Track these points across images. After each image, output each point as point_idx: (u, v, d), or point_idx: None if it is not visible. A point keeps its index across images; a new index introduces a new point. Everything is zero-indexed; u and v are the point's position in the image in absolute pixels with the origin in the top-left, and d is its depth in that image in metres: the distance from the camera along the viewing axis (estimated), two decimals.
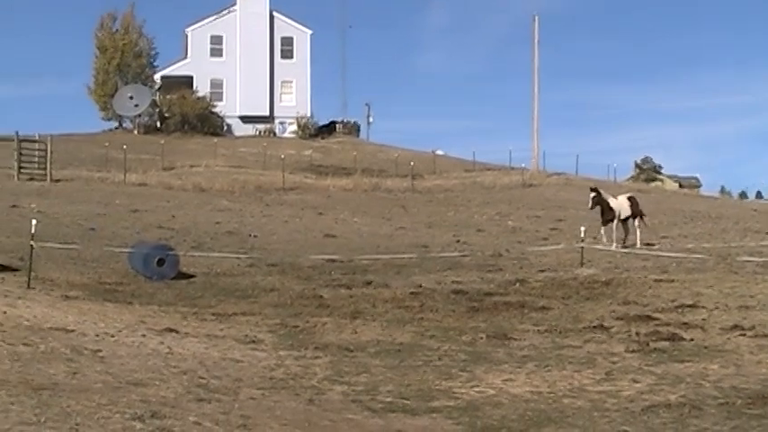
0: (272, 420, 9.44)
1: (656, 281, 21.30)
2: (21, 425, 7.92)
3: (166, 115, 76.51)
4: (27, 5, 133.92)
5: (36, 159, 47.50)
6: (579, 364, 12.84)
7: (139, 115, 76.01)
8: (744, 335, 14.77)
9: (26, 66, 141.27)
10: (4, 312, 14.39)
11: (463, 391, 11.42)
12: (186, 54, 79.83)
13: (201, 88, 77.16)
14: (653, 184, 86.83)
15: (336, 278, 23.40)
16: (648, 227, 30.46)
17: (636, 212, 29.52)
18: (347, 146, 74.60)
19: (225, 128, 77.84)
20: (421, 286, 21.76)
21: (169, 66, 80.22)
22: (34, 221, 20.70)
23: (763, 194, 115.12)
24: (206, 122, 76.14)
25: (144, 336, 14.12)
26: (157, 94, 77.28)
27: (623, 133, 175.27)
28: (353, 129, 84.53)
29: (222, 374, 11.69)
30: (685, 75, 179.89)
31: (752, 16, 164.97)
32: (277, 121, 79.23)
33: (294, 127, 78.69)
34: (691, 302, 18.12)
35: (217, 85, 78.22)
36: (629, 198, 29.84)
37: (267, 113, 78.62)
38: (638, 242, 28.94)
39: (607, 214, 28.62)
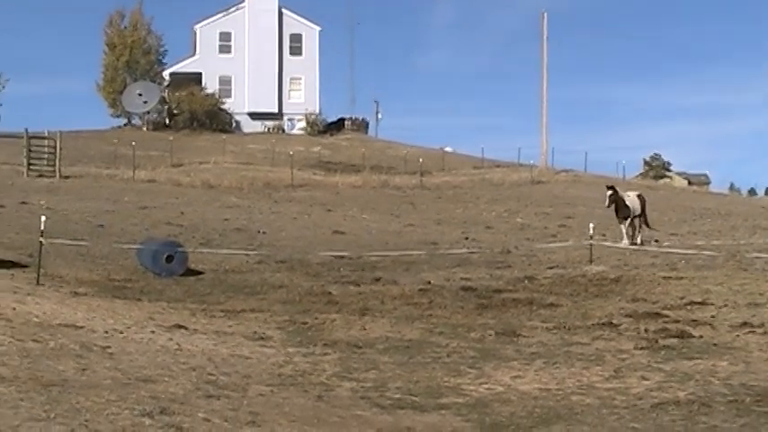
0: (280, 417, 9.45)
1: (664, 278, 21.26)
2: (30, 421, 7.94)
3: (175, 112, 76.53)
4: (35, 3, 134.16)
5: (45, 156, 47.61)
6: (588, 362, 12.84)
7: (148, 112, 76.01)
8: (753, 332, 14.75)
9: (35, 63, 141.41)
10: (14, 309, 14.43)
11: (472, 387, 11.43)
12: (195, 51, 79.85)
13: (210, 85, 77.16)
14: (662, 182, 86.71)
15: (345, 275, 23.40)
16: (650, 227, 30.39)
17: (643, 211, 29.48)
18: (356, 142, 74.57)
19: (233, 125, 77.85)
20: (430, 283, 21.75)
21: (178, 63, 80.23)
22: (43, 218, 20.73)
23: None
24: (215, 119, 76.16)
25: (153, 332, 14.15)
26: (166, 90, 77.30)
27: (632, 130, 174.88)
28: (362, 125, 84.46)
29: (231, 371, 11.70)
30: (694, 71, 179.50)
31: (762, 12, 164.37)
32: (286, 117, 79.19)
33: (303, 124, 78.66)
34: (700, 300, 18.09)
35: (225, 81, 78.19)
36: (639, 196, 29.78)
37: (276, 110, 78.59)
38: (640, 240, 28.87)
39: (623, 212, 28.54)
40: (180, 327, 14.84)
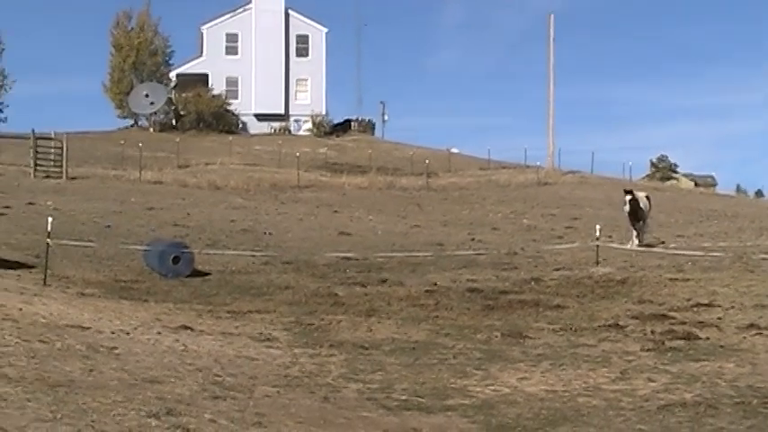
0: (286, 418, 9.46)
1: (671, 280, 21.24)
2: (37, 421, 7.94)
3: (182, 113, 76.63)
4: (42, 4, 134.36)
5: (52, 157, 47.68)
6: (594, 363, 12.83)
7: (155, 113, 76.11)
8: (760, 334, 14.73)
9: (42, 64, 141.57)
10: (21, 309, 14.44)
11: (478, 389, 11.43)
12: (201, 52, 79.95)
13: (217, 86, 77.26)
14: (668, 183, 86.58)
15: (351, 276, 23.41)
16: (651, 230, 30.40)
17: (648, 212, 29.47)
18: (362, 144, 74.60)
19: (240, 126, 77.92)
20: (436, 284, 21.75)
21: (184, 64, 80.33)
22: (50, 219, 20.76)
23: None
24: (221, 120, 76.25)
25: (159, 333, 14.16)
26: (173, 91, 77.39)
27: (638, 131, 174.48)
28: (368, 126, 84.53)
29: (237, 372, 11.71)
30: (699, 72, 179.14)
31: (766, 12, 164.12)
32: (292, 118, 79.25)
33: (309, 125, 78.72)
34: (706, 301, 18.07)
35: (232, 82, 78.27)
36: (647, 197, 29.76)
37: (282, 111, 78.64)
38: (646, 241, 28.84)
39: (640, 214, 28.49)
40: (186, 328, 14.85)
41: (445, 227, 37.80)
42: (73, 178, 45.42)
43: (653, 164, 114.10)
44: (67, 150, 46.14)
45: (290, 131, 78.13)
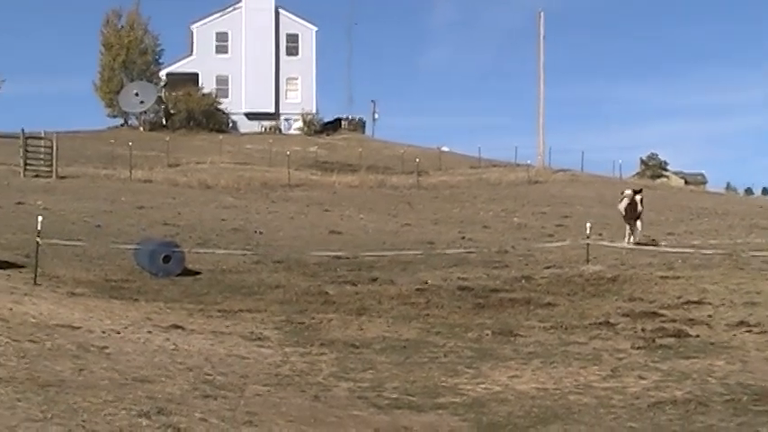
0: (277, 417, 9.45)
1: (661, 277, 21.27)
2: (27, 421, 7.93)
3: (172, 112, 76.58)
4: (31, 3, 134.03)
5: (42, 156, 47.57)
6: (585, 361, 12.84)
7: (145, 112, 76.06)
8: (750, 331, 14.76)
9: (32, 63, 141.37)
10: (11, 309, 14.41)
11: (469, 387, 11.43)
12: (191, 51, 79.92)
13: (207, 85, 77.25)
14: (658, 181, 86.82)
15: (342, 275, 23.40)
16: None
17: None
18: (353, 142, 74.60)
19: (230, 124, 77.93)
20: (427, 283, 21.74)
21: (174, 63, 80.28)
22: (40, 218, 20.69)
23: None
24: (211, 119, 76.23)
25: (150, 332, 14.14)
26: (163, 90, 77.34)
27: (629, 129, 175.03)
28: (359, 125, 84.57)
29: (228, 371, 11.70)
30: (691, 71, 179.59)
31: (759, 12, 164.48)
32: (282, 117, 79.27)
33: (299, 123, 78.74)
34: (697, 299, 18.09)
35: (222, 81, 78.25)
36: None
37: (272, 110, 78.65)
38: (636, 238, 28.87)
39: (637, 212, 28.52)
40: (177, 327, 14.83)
41: (436, 225, 37.81)
42: (63, 177, 45.34)
43: (643, 162, 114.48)
44: (57, 149, 46.04)
45: (280, 130, 78.13)
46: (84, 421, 8.13)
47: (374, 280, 22.32)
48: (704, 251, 25.65)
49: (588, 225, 25.22)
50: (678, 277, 21.15)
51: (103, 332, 13.68)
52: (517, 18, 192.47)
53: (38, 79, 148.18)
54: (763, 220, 39.17)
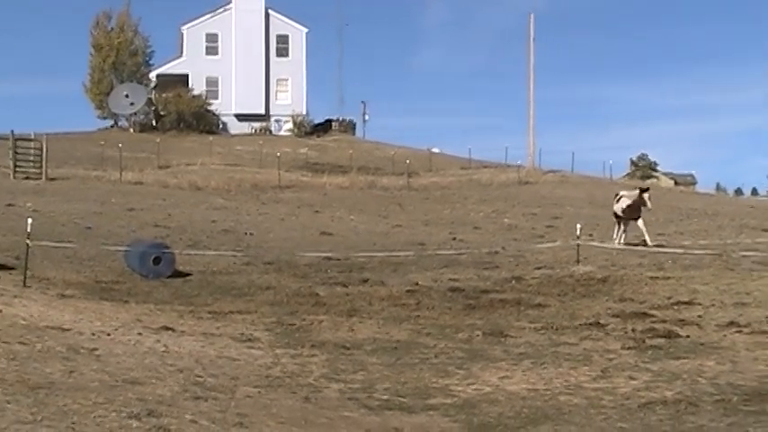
0: (268, 418, 9.44)
1: (652, 278, 21.32)
2: (17, 423, 7.91)
3: (162, 113, 76.45)
4: (22, 4, 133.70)
5: (32, 158, 47.42)
6: (575, 362, 12.86)
7: (135, 113, 75.91)
8: (740, 331, 14.80)
9: (21, 64, 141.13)
10: (0, 311, 14.37)
11: (460, 388, 11.44)
12: (182, 52, 79.79)
13: (197, 86, 77.14)
14: (648, 182, 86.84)
15: (333, 276, 23.39)
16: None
17: None
18: (343, 144, 74.58)
19: (220, 126, 77.81)
20: (417, 284, 21.76)
21: (165, 64, 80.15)
22: (30, 220, 20.64)
23: (758, 191, 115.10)
24: (202, 120, 76.11)
25: (140, 334, 14.11)
26: (153, 92, 77.20)
27: (619, 130, 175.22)
28: (349, 126, 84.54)
29: (219, 373, 11.69)
30: (681, 71, 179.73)
31: (748, 12, 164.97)
32: (273, 119, 79.19)
33: (290, 125, 78.67)
34: (687, 299, 18.14)
35: (212, 83, 78.15)
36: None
37: (263, 111, 78.57)
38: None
39: (639, 212, 28.57)
40: (167, 328, 14.81)
41: (426, 226, 37.83)
42: (53, 179, 45.22)
43: (633, 163, 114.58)
44: (47, 151, 45.91)
45: (270, 132, 78.06)
46: (74, 423, 8.12)
47: (365, 281, 22.32)
48: (694, 251, 25.71)
49: (578, 226, 25.26)
50: (668, 278, 21.21)
51: (93, 334, 13.66)
52: (509, 19, 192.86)
53: (28, 80, 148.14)
54: (752, 221, 39.31)
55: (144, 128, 75.58)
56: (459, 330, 15.67)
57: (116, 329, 14.31)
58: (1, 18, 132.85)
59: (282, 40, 79.94)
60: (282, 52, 79.79)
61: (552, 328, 15.72)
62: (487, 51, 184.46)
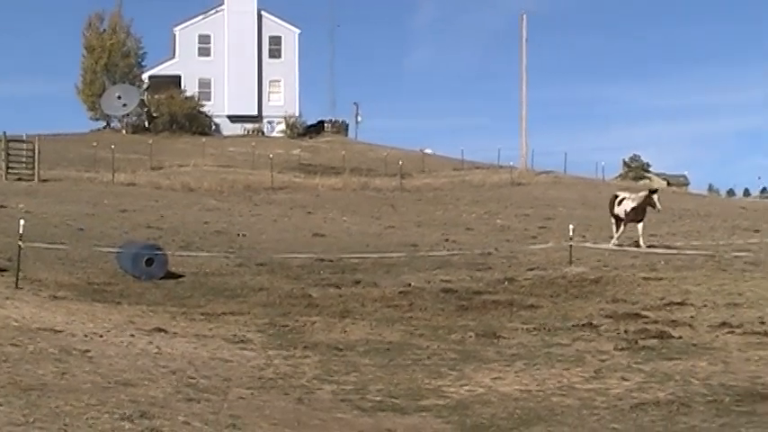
0: (261, 420, 9.43)
1: (644, 279, 21.33)
2: (9, 425, 7.89)
3: (154, 115, 76.34)
4: (14, 5, 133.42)
5: (24, 159, 47.34)
6: (568, 363, 12.87)
7: (127, 115, 75.78)
8: (732, 332, 14.83)
9: (13, 65, 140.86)
10: None
11: (452, 389, 11.44)
12: (174, 53, 79.69)
13: (189, 88, 77.03)
14: (641, 183, 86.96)
15: (325, 277, 23.39)
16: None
17: None
18: (336, 145, 74.54)
19: (213, 127, 77.70)
20: (410, 285, 21.76)
21: (157, 65, 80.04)
22: (22, 221, 20.62)
23: (750, 192, 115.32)
24: (194, 122, 76.01)
25: (133, 336, 14.10)
26: (145, 93, 77.07)
27: (612, 131, 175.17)
28: (342, 128, 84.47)
29: (211, 374, 11.67)
30: (674, 72, 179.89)
31: (742, 13, 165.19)
32: (265, 120, 79.13)
33: (282, 126, 78.61)
34: (679, 300, 18.16)
35: (205, 84, 78.07)
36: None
37: (255, 113, 78.50)
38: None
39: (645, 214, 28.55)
40: (160, 330, 14.79)
41: (419, 227, 37.83)
42: (45, 180, 45.15)
43: (626, 163, 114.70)
44: (39, 152, 45.85)
45: (263, 133, 78.00)
46: (66, 425, 8.10)
47: (357, 282, 22.32)
48: (687, 252, 25.74)
49: (571, 227, 25.27)
50: (661, 279, 21.22)
51: (86, 335, 13.64)
52: (501, 19, 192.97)
53: (20, 82, 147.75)
54: (744, 222, 39.36)
55: (136, 129, 75.49)
56: (452, 331, 15.67)
57: (108, 331, 14.30)
58: None
59: (275, 41, 79.91)
60: (275, 53, 79.75)
61: (545, 329, 15.73)
62: (480, 52, 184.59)
